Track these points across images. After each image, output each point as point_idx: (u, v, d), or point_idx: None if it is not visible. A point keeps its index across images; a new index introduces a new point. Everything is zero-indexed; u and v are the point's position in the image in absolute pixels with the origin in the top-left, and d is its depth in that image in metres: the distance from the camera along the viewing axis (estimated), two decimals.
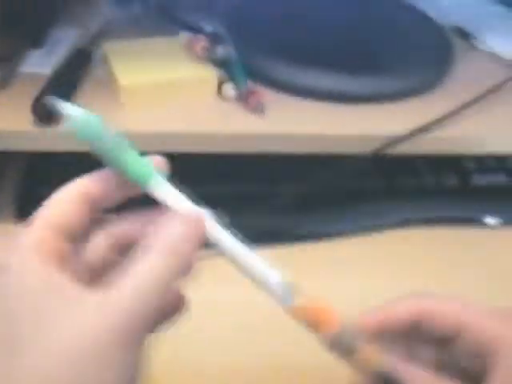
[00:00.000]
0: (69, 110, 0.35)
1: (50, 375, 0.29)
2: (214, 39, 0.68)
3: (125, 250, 0.34)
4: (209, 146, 0.63)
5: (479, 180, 0.74)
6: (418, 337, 0.40)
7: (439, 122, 0.65)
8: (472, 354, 0.38)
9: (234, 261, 0.35)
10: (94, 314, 0.30)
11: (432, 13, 0.81)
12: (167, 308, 0.36)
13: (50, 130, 0.60)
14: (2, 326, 0.30)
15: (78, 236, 0.35)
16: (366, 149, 0.64)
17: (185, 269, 0.33)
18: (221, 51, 0.67)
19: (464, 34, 0.80)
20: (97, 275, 0.35)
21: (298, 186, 0.68)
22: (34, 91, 0.62)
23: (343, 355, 0.36)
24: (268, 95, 0.66)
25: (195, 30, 0.70)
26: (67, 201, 0.35)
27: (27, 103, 0.61)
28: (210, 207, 0.35)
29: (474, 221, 0.72)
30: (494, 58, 0.77)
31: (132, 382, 0.31)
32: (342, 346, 0.35)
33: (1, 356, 0.30)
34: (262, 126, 0.63)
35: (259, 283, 0.35)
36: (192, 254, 0.33)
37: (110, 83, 0.66)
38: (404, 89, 0.69)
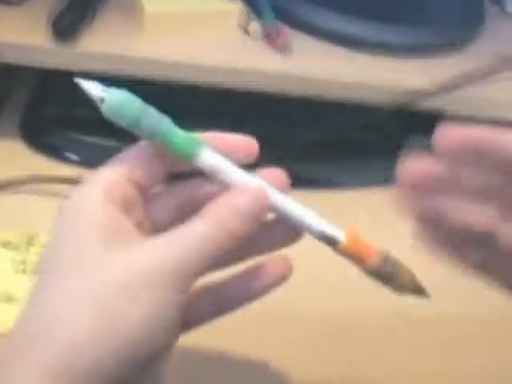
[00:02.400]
0: (102, 92, 0.35)
1: (100, 300, 0.31)
2: None
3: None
4: (229, 81, 0.61)
5: None
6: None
7: (465, 81, 0.63)
8: None
9: (288, 217, 0.36)
10: (140, 258, 0.32)
11: None
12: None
13: (68, 48, 0.59)
14: (64, 249, 0.32)
15: (147, 190, 0.36)
16: (388, 101, 0.63)
17: (230, 241, 0.33)
18: None
19: None
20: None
21: (314, 133, 0.66)
22: (51, 10, 0.60)
23: (383, 283, 0.38)
24: (295, 36, 0.64)
25: None
26: (142, 155, 0.36)
27: (43, 20, 0.60)
28: None
29: None
30: None
31: (174, 322, 0.33)
32: (385, 273, 0.38)
33: (65, 273, 0.32)
34: (287, 66, 0.61)
35: (311, 232, 0.37)
36: (242, 228, 0.34)
37: (131, 9, 0.63)
38: (432, 44, 0.68)
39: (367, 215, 0.64)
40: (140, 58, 0.60)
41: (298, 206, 0.37)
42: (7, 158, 0.63)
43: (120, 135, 0.65)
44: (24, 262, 0.52)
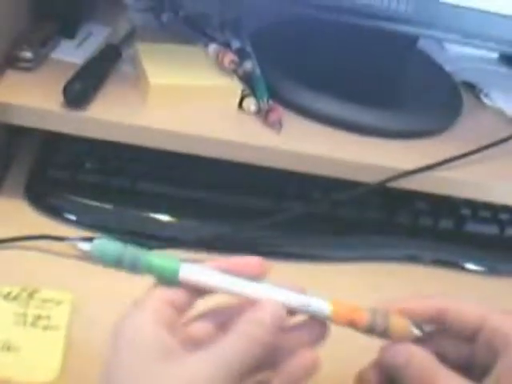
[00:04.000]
0: (86, 246, 0.42)
1: None
2: (241, 55, 0.71)
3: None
4: (224, 153, 0.65)
5: (472, 227, 0.77)
6: (443, 335, 0.44)
7: (442, 164, 0.68)
8: (489, 349, 0.41)
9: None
10: (186, 372, 0.38)
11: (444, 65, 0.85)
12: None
13: (76, 113, 0.63)
14: (124, 366, 0.39)
15: (185, 311, 0.43)
16: (371, 179, 0.67)
17: (257, 349, 0.39)
18: (247, 66, 0.70)
19: (472, 88, 0.84)
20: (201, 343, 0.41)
21: (301, 206, 0.70)
22: (62, 76, 0.65)
23: (380, 336, 0.42)
24: (286, 115, 0.69)
25: (223, 44, 0.73)
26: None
27: (55, 86, 0.63)
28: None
29: (457, 265, 0.75)
30: (499, 113, 0.81)
31: None
32: (376, 331, 0.42)
33: None
34: (277, 142, 0.66)
35: (299, 310, 0.42)
36: (265, 336, 0.40)
37: (136, 80, 0.68)
38: (413, 129, 0.73)
39: (350, 289, 0.67)
40: (142, 126, 0.64)
41: (269, 288, 0.42)
42: (11, 216, 0.66)
43: (118, 200, 0.70)
44: (24, 315, 0.55)
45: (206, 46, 0.73)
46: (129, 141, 0.64)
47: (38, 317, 0.54)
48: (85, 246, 0.42)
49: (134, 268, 0.41)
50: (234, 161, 0.66)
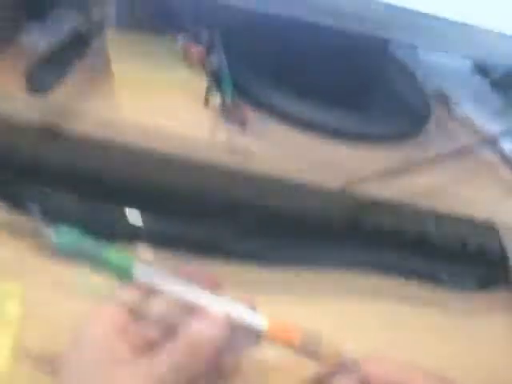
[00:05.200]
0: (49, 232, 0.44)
1: None
2: (209, 48, 0.71)
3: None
4: (182, 148, 0.65)
5: (435, 239, 0.77)
6: None
7: (406, 169, 0.68)
8: None
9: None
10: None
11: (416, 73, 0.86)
12: None
13: (38, 100, 0.62)
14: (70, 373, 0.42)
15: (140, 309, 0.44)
16: (334, 182, 0.67)
17: (198, 362, 0.42)
18: (214, 61, 0.70)
19: (443, 97, 0.85)
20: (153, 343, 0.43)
21: (261, 211, 0.70)
22: (29, 60, 0.64)
23: (312, 358, 0.44)
24: (251, 113, 0.69)
25: (193, 35, 0.73)
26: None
27: (18, 70, 0.62)
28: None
29: (418, 275, 0.75)
30: (468, 122, 0.81)
31: None
32: (308, 351, 0.43)
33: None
34: (239, 140, 0.66)
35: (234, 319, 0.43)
36: (208, 351, 0.42)
37: (103, 71, 0.68)
38: (378, 133, 0.73)
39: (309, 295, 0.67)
40: (103, 116, 0.64)
41: (214, 298, 0.43)
42: None
43: (81, 194, 0.69)
44: None
45: (175, 36, 0.73)
46: (88, 132, 0.63)
47: None
48: (48, 232, 0.44)
49: (93, 260, 0.43)
50: (196, 159, 0.66)
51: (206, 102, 0.68)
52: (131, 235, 0.65)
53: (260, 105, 0.70)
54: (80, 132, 0.64)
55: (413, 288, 0.72)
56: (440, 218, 0.77)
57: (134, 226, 0.67)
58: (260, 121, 0.69)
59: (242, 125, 0.66)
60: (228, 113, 0.67)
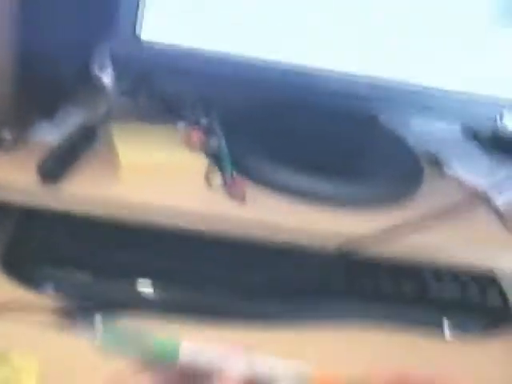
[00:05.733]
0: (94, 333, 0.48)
1: None
2: (208, 131, 0.76)
3: None
4: (190, 223, 0.70)
5: (436, 291, 0.80)
6: None
7: (402, 230, 0.72)
8: None
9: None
10: None
11: (407, 137, 0.90)
12: None
13: (48, 188, 0.68)
14: None
15: None
16: (331, 245, 0.71)
17: None
18: (213, 143, 0.75)
19: (433, 159, 0.89)
20: None
21: (262, 274, 0.74)
22: (38, 155, 0.70)
23: None
24: (250, 187, 0.73)
25: (192, 121, 0.78)
26: None
27: (30, 164, 0.69)
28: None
29: (422, 329, 0.77)
30: (458, 183, 0.85)
31: None
32: None
33: None
34: (240, 212, 0.70)
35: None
36: None
37: (111, 159, 0.73)
38: (374, 199, 0.77)
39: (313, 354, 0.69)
40: (111, 199, 0.69)
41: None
42: None
43: (95, 271, 0.73)
44: None
45: (176, 124, 0.78)
46: (101, 214, 0.68)
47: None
48: (94, 337, 0.47)
49: (137, 350, 0.45)
50: (202, 232, 0.70)
51: (208, 180, 0.73)
52: (143, 305, 0.69)
53: (258, 179, 0.75)
54: (91, 214, 0.69)
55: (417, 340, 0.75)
56: (439, 271, 0.80)
57: (145, 296, 0.72)
58: (259, 193, 0.73)
59: (242, 199, 0.71)
60: (229, 188, 0.72)
